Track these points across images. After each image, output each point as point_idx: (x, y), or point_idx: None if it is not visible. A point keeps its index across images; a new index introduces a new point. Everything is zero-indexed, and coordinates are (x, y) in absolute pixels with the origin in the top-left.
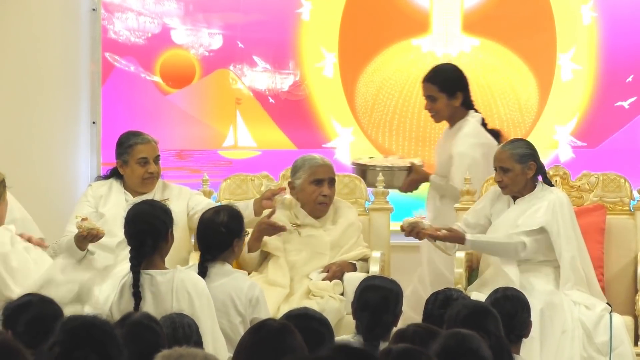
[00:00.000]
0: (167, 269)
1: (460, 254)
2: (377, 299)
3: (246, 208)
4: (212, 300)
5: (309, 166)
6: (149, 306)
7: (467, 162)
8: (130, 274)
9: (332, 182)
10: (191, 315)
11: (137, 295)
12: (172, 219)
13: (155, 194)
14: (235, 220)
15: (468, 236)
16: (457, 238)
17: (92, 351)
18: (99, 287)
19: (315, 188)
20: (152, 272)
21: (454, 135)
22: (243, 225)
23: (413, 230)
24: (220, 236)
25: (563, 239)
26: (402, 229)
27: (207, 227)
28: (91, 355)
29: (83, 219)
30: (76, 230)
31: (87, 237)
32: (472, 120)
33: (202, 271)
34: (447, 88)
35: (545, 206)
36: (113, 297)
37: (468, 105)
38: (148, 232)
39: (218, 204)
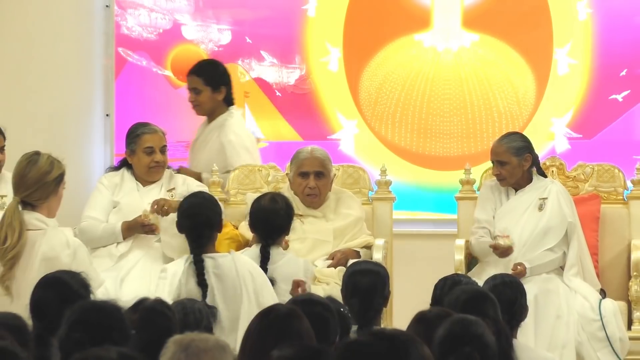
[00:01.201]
0: (219, 252)
1: (460, 242)
2: (366, 283)
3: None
4: (274, 279)
5: (297, 159)
6: (215, 288)
7: (241, 148)
8: (193, 263)
9: (318, 174)
10: (255, 292)
11: (204, 284)
12: (221, 208)
13: (163, 184)
14: (290, 207)
15: (527, 264)
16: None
17: (96, 336)
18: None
19: (302, 181)
20: (213, 255)
21: (220, 127)
22: (294, 210)
23: (505, 252)
24: (281, 222)
25: (577, 229)
26: (497, 247)
27: (268, 214)
28: (97, 340)
29: (148, 212)
30: (98, 216)
31: (145, 229)
32: (236, 114)
33: (266, 255)
34: (212, 82)
35: (557, 203)
36: (178, 281)
37: (229, 101)
38: (206, 223)
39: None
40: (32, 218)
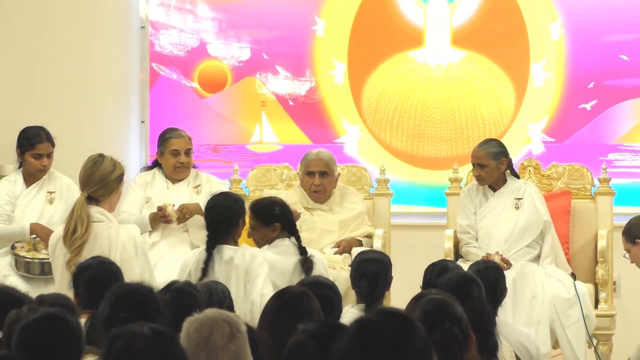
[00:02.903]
0: (236, 246)
1: (450, 232)
2: (372, 269)
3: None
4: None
5: (305, 160)
6: (219, 273)
7: None
8: (204, 252)
9: (323, 174)
10: (244, 281)
11: (205, 271)
12: (244, 208)
13: (189, 182)
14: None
15: (512, 262)
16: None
17: (133, 313)
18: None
19: (309, 179)
20: (224, 246)
21: None
22: None
23: None
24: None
25: (551, 226)
26: (488, 258)
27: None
28: (132, 316)
29: (167, 205)
30: (131, 210)
31: (162, 219)
32: None
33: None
34: None
35: (532, 203)
36: (192, 266)
37: None
38: (222, 220)
39: (246, 191)
40: (95, 211)
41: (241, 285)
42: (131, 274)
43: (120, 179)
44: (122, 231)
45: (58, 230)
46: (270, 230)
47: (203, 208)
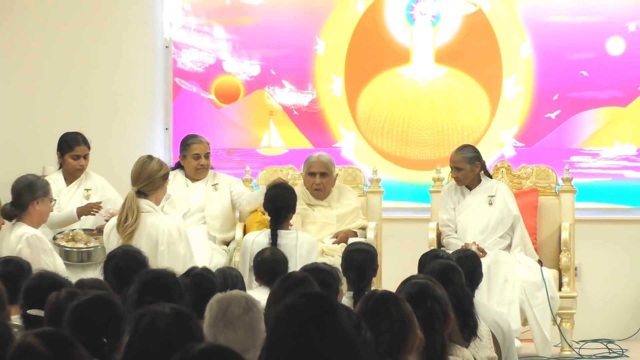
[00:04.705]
0: (290, 229)
1: (433, 224)
2: (360, 259)
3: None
4: None
5: (307, 162)
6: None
7: None
8: (270, 235)
9: (323, 174)
10: (301, 257)
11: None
12: (296, 196)
13: (207, 181)
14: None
15: (487, 251)
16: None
17: (158, 296)
18: None
19: (310, 179)
20: (282, 231)
21: None
22: None
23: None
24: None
25: (520, 220)
26: (467, 247)
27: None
28: (157, 299)
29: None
30: None
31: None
32: None
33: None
34: None
35: (503, 200)
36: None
37: None
38: (283, 208)
39: (257, 188)
40: (144, 204)
41: (299, 263)
42: (177, 255)
43: (165, 177)
44: (168, 219)
45: (112, 220)
46: None
47: (215, 205)
